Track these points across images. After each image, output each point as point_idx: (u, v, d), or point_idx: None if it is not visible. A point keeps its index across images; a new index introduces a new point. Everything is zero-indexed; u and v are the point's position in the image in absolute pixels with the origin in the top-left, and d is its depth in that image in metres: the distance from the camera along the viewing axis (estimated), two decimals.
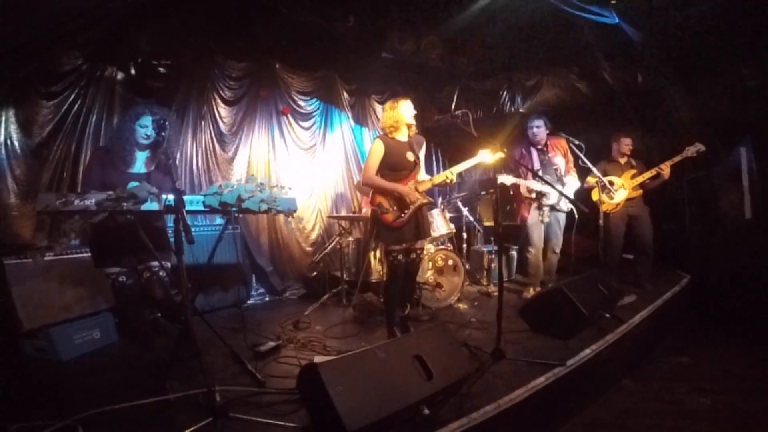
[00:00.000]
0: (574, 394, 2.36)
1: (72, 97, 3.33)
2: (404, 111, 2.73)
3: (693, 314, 3.82)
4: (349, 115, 4.96)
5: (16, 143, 3.13)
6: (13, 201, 3.08)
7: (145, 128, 2.44)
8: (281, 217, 4.27)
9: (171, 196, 1.98)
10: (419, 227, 2.74)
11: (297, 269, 4.47)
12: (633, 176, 3.88)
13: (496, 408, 1.86)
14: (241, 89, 4.23)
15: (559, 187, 3.47)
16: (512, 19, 3.85)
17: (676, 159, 3.73)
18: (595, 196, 3.86)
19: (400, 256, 2.70)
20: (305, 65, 4.55)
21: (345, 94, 4.92)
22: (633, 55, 3.98)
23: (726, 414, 2.32)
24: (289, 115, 4.50)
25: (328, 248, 4.03)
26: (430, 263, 3.75)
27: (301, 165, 4.58)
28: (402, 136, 2.80)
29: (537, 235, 3.67)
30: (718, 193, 4.23)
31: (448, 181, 2.80)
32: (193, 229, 3.34)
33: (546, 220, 3.63)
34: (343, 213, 4.72)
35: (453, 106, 5.12)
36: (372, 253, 3.78)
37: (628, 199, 3.87)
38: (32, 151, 3.20)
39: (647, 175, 3.81)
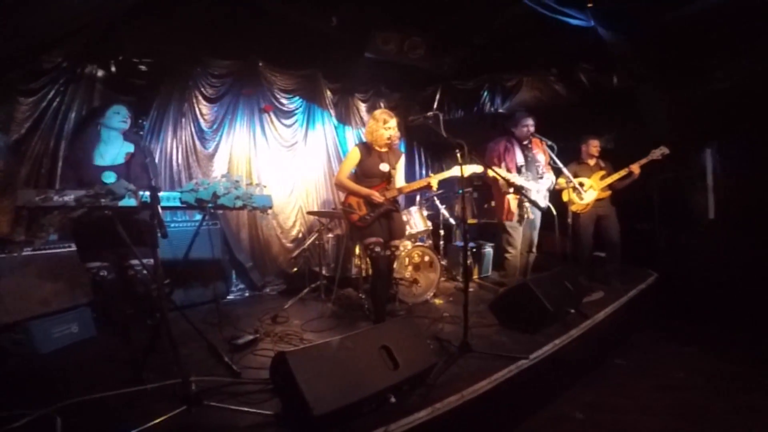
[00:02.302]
0: (538, 388, 2.47)
1: (51, 94, 3.33)
2: (384, 131, 2.87)
3: (660, 311, 3.97)
4: (332, 113, 5.02)
5: None
6: None
7: (118, 114, 2.51)
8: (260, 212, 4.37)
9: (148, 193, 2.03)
10: (391, 228, 2.91)
11: (277, 265, 4.54)
12: (602, 177, 4.03)
13: (460, 398, 1.96)
14: (223, 87, 4.26)
15: (538, 183, 3.57)
16: (494, 19, 3.94)
17: (644, 161, 3.90)
18: (565, 196, 4.00)
19: (377, 248, 2.83)
20: (289, 64, 4.59)
21: (328, 93, 4.97)
22: (609, 57, 4.11)
23: (685, 412, 2.43)
24: (271, 113, 4.55)
25: (307, 244, 4.10)
26: (407, 259, 3.85)
27: (282, 162, 4.63)
28: (381, 147, 2.96)
29: (518, 236, 3.71)
30: (686, 194, 4.42)
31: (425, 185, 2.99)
32: (172, 225, 3.41)
33: (531, 216, 3.65)
34: (325, 210, 4.79)
35: (435, 105, 5.22)
36: (351, 249, 3.87)
37: (597, 200, 4.02)
38: (9, 147, 3.18)
39: (616, 176, 3.96)
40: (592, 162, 4.15)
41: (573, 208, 3.95)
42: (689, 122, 4.16)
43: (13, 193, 3.21)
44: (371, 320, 3.10)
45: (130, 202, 2.01)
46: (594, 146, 4.10)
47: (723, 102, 3.93)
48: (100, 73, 3.59)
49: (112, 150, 2.50)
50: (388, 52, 4.24)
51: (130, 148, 2.56)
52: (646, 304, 3.87)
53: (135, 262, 2.54)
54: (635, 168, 3.88)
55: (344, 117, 5.20)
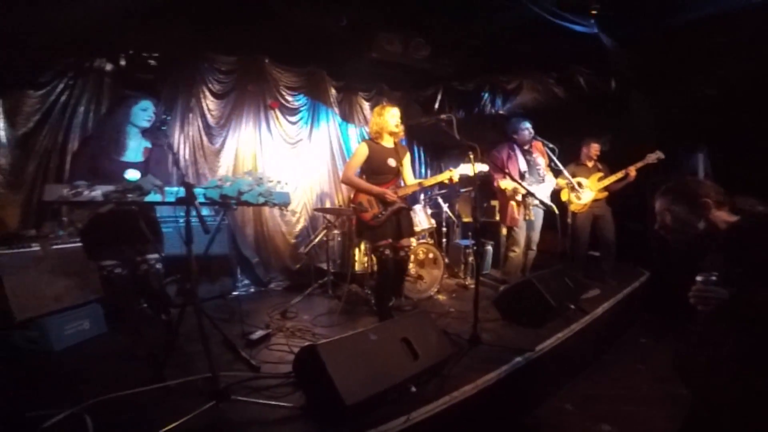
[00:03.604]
0: (544, 379, 2.61)
1: (60, 87, 3.34)
2: (389, 119, 2.90)
3: (653, 307, 4.14)
4: (337, 111, 5.06)
5: (1, 133, 3.11)
6: None
7: (146, 111, 2.48)
8: (266, 209, 4.41)
9: (176, 188, 2.09)
10: (401, 226, 2.93)
11: (281, 261, 4.58)
12: (600, 179, 4.18)
13: (474, 387, 2.08)
14: (230, 83, 4.28)
15: (540, 187, 3.70)
16: (495, 22, 4.03)
17: (639, 164, 4.04)
18: (564, 196, 4.14)
19: (387, 251, 2.87)
20: (294, 61, 4.62)
21: (333, 91, 5.00)
22: (606, 61, 4.25)
23: (680, 401, 2.58)
24: (276, 110, 4.58)
25: (316, 240, 4.15)
26: (413, 256, 3.94)
27: (287, 159, 4.67)
28: (387, 142, 2.98)
29: (522, 236, 3.85)
30: None
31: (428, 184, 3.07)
32: (181, 221, 3.40)
33: (532, 217, 3.79)
34: (328, 206, 4.85)
35: (437, 106, 5.30)
36: (357, 246, 3.95)
37: (594, 200, 4.17)
38: (18, 141, 3.18)
39: (613, 178, 4.11)
40: (590, 164, 4.29)
41: (571, 207, 4.11)
42: (680, 126, 4.34)
43: (20, 188, 3.22)
44: (378, 316, 3.18)
45: (155, 197, 2.05)
46: (594, 149, 4.25)
47: (713, 107, 4.10)
48: (108, 66, 3.59)
49: (133, 145, 2.49)
50: (393, 52, 4.30)
51: (147, 143, 2.56)
52: (639, 300, 4.04)
53: (150, 257, 2.54)
54: (631, 171, 4.04)
55: (348, 115, 5.25)
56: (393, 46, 4.22)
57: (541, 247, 4.06)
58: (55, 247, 2.85)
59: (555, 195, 4.16)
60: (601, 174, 4.22)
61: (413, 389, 1.90)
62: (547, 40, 3.83)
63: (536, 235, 3.96)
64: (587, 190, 4.17)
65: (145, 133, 2.54)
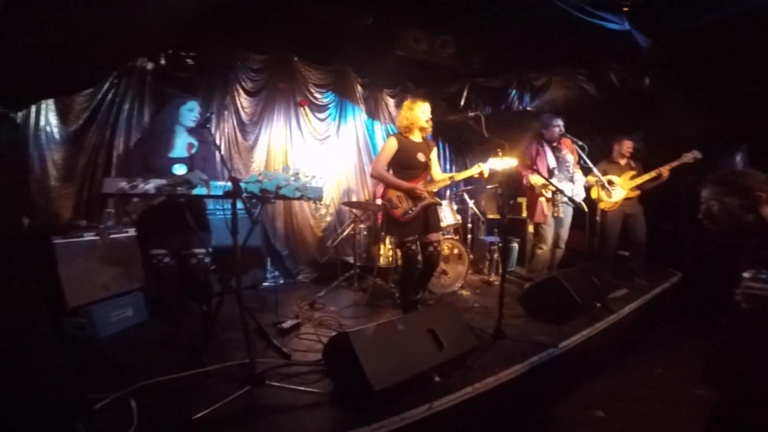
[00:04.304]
0: (565, 376, 2.62)
1: (106, 86, 3.53)
2: (420, 113, 2.89)
3: (684, 309, 4.02)
4: (363, 108, 5.15)
5: (54, 130, 3.34)
6: (53, 184, 3.31)
7: (192, 111, 2.63)
8: (296, 203, 4.55)
9: (222, 183, 2.25)
10: (428, 222, 2.94)
11: (309, 254, 4.72)
12: (632, 177, 4.10)
13: (497, 380, 2.13)
14: (261, 81, 4.42)
15: (570, 185, 3.67)
16: (522, 20, 3.99)
17: (675, 164, 3.93)
18: (594, 194, 4.08)
19: (414, 246, 2.91)
20: (321, 59, 4.72)
21: (359, 88, 5.09)
22: (640, 59, 4.14)
23: (704, 403, 2.55)
24: (306, 107, 4.71)
25: (344, 234, 4.26)
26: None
27: (316, 154, 4.80)
28: (416, 137, 2.98)
29: (550, 233, 3.83)
30: None
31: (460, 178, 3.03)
32: (218, 213, 3.53)
33: (561, 214, 3.78)
34: (355, 201, 4.95)
35: (462, 102, 5.29)
36: (382, 241, 4.04)
37: (626, 199, 4.09)
38: (69, 137, 3.41)
39: (646, 177, 4.01)
40: (623, 161, 4.21)
41: (601, 205, 4.05)
42: (717, 125, 4.19)
43: (72, 181, 3.45)
44: (401, 309, 3.25)
45: (201, 191, 2.19)
46: (627, 147, 4.16)
47: (752, 105, 3.94)
48: (149, 65, 3.78)
49: (180, 142, 2.65)
50: (419, 50, 4.31)
51: (191, 139, 2.70)
52: (669, 301, 3.96)
53: (198, 250, 2.65)
54: (665, 171, 3.93)
55: (373, 112, 5.33)
56: (419, 44, 4.24)
57: (568, 246, 4.03)
58: (112, 236, 3.03)
59: (585, 192, 4.12)
60: (633, 172, 4.13)
61: (437, 379, 1.97)
62: (577, 36, 3.76)
63: (565, 233, 3.94)
64: (618, 189, 4.09)
65: (190, 131, 2.69)
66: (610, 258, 4.18)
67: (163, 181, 2.11)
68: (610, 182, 4.07)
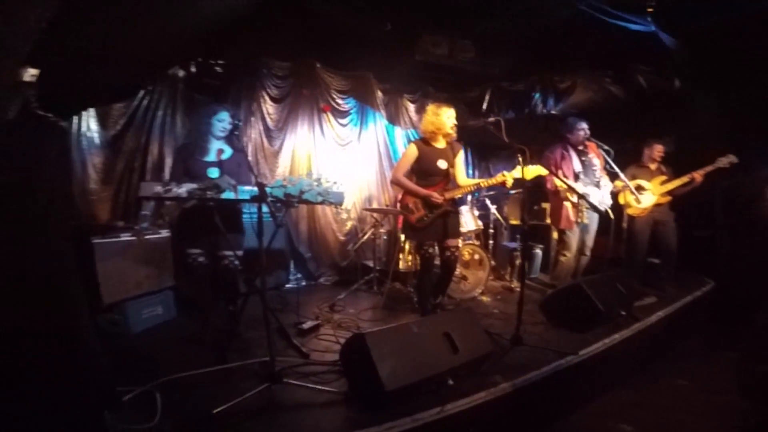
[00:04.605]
0: (585, 384, 2.56)
1: (142, 93, 3.70)
2: (445, 119, 2.90)
3: (716, 318, 3.86)
4: (383, 113, 5.19)
5: (95, 135, 3.53)
6: (93, 187, 3.50)
7: (222, 122, 2.77)
8: (319, 207, 4.65)
9: (249, 188, 2.37)
10: (446, 228, 2.95)
11: (331, 257, 4.80)
12: (663, 182, 3.95)
13: (513, 386, 2.11)
14: (286, 87, 4.54)
15: (596, 190, 3.58)
16: (543, 22, 3.94)
17: (709, 168, 3.77)
18: (622, 199, 3.96)
19: (431, 250, 2.94)
20: (343, 65, 4.79)
21: (379, 93, 5.11)
22: (668, 60, 4.01)
23: (731, 414, 2.43)
24: (328, 113, 4.81)
25: (364, 238, 4.32)
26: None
27: (338, 159, 4.89)
28: (439, 143, 2.99)
29: (575, 240, 3.74)
30: (750, 201, 4.24)
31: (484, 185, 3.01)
32: (245, 216, 3.65)
33: (587, 221, 3.69)
34: (375, 206, 5.01)
35: (485, 106, 5.26)
36: (402, 245, 4.07)
37: (656, 205, 3.95)
38: (108, 142, 3.60)
39: (678, 182, 3.86)
40: (653, 166, 4.06)
41: (629, 211, 3.92)
42: (753, 128, 3.99)
43: (110, 184, 3.66)
44: (419, 313, 3.26)
45: (230, 195, 2.31)
46: (658, 151, 4.03)
47: None
48: (181, 73, 3.95)
49: (213, 147, 2.81)
50: (438, 55, 4.32)
51: (221, 145, 2.85)
52: (701, 311, 3.79)
53: (228, 253, 2.75)
54: (698, 176, 3.78)
55: (394, 117, 5.35)
56: (438, 49, 4.23)
57: (594, 252, 3.92)
58: (146, 237, 3.19)
59: (612, 197, 4.00)
60: (664, 177, 3.98)
61: (450, 382, 1.98)
62: (601, 38, 3.69)
63: (591, 240, 3.83)
64: (648, 194, 3.95)
65: (221, 138, 2.85)
66: (638, 265, 4.04)
67: (194, 186, 2.24)
68: (640, 188, 3.94)
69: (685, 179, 3.84)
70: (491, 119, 2.78)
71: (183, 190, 2.21)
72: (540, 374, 2.24)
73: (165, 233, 3.33)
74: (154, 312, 3.13)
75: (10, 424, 1.25)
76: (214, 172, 2.69)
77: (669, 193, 3.94)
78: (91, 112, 3.52)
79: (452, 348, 2.02)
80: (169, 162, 3.80)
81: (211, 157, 2.80)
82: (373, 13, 3.89)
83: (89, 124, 3.51)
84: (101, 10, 2.17)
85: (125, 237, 3.07)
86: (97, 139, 3.56)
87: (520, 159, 2.61)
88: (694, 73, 3.93)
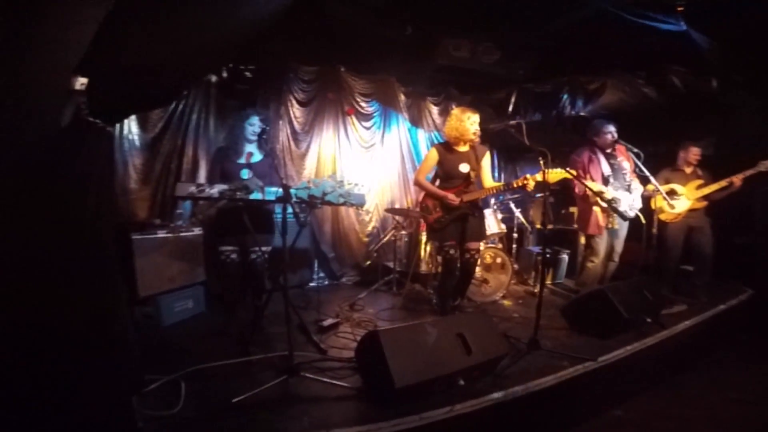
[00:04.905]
0: (604, 391, 2.50)
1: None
2: (469, 126, 2.92)
3: (754, 328, 3.64)
4: (406, 116, 5.24)
5: (135, 138, 3.78)
6: (133, 186, 3.75)
7: (253, 126, 2.94)
8: (342, 208, 4.75)
9: (274, 189, 2.49)
10: (466, 230, 2.98)
11: (353, 257, 4.89)
12: (698, 187, 3.78)
13: (526, 389, 2.10)
14: (312, 91, 4.67)
15: (626, 194, 3.49)
16: (573, 21, 3.85)
17: (749, 172, 3.58)
18: (654, 204, 3.81)
19: (452, 251, 2.97)
20: (366, 69, 4.87)
21: (402, 97, 5.17)
22: (703, 59, 3.84)
23: (754, 425, 2.34)
24: (353, 116, 4.91)
25: (385, 239, 4.38)
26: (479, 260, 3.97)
27: (362, 162, 4.98)
28: (461, 147, 3.02)
29: (603, 246, 3.64)
30: None
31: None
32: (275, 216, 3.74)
33: (616, 226, 3.59)
34: (397, 208, 5.05)
35: (510, 108, 5.19)
36: (422, 246, 4.09)
37: (690, 210, 3.78)
38: (147, 144, 3.84)
39: (715, 186, 3.68)
40: (688, 170, 3.89)
41: (662, 216, 3.76)
42: None
43: (149, 184, 3.90)
44: (438, 314, 3.28)
45: (257, 196, 2.44)
46: (694, 154, 3.85)
47: None
48: (213, 79, 4.15)
49: (244, 150, 2.98)
50: (461, 58, 4.29)
51: (251, 147, 3.00)
52: (737, 320, 3.60)
53: (256, 249, 2.90)
54: (737, 180, 3.59)
55: (417, 120, 5.39)
56: (460, 52, 4.19)
57: (622, 258, 3.79)
58: (181, 234, 3.39)
59: (644, 202, 3.86)
60: (700, 181, 3.79)
61: (462, 382, 1.99)
62: (631, 38, 3.58)
63: (620, 246, 3.71)
64: (683, 199, 3.79)
65: (252, 141, 3.01)
66: (670, 272, 3.87)
67: (224, 187, 2.40)
68: (672, 192, 3.79)
69: (723, 183, 3.65)
70: (512, 122, 2.77)
71: (215, 190, 2.37)
72: (555, 378, 2.22)
73: (198, 231, 3.52)
74: (185, 306, 3.30)
75: (47, 400, 1.38)
76: (246, 174, 2.85)
77: (705, 197, 3.76)
78: (132, 116, 3.77)
79: (465, 349, 2.04)
80: (203, 164, 4.02)
81: (242, 159, 2.97)
82: (394, 18, 3.95)
83: (130, 127, 3.76)
84: (146, 24, 2.34)
85: (162, 234, 3.26)
86: (137, 142, 3.80)
87: (542, 162, 2.59)
88: (732, 72, 3.74)
